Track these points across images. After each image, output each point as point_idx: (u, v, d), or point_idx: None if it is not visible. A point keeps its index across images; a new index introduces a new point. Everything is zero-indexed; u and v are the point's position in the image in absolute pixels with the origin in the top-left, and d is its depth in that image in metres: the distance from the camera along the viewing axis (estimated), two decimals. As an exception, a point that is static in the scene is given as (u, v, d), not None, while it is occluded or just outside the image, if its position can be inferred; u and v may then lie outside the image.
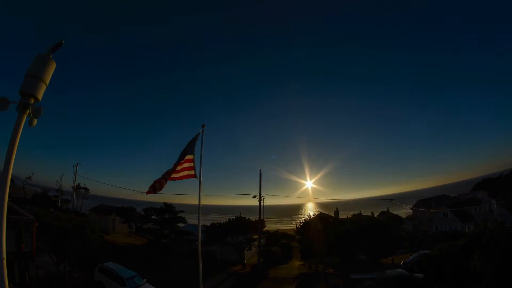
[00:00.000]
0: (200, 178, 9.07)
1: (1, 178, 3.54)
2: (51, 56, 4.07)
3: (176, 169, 8.30)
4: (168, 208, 39.46)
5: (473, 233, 16.08)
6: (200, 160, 9.12)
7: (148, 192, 7.94)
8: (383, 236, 30.27)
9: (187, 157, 8.59)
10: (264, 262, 31.85)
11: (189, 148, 8.74)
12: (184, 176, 8.56)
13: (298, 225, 39.01)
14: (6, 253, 3.42)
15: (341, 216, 52.15)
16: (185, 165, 8.51)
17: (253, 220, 35.63)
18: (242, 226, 33.61)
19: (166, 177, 8.10)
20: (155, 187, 7.86)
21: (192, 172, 8.74)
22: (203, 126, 9.37)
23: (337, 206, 57.03)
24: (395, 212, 72.59)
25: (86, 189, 58.70)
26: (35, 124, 3.93)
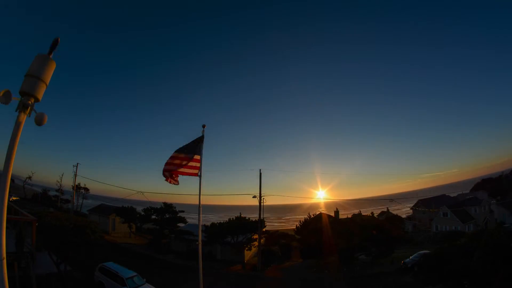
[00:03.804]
0: (200, 178, 9.15)
1: (1, 178, 3.53)
2: (51, 56, 4.06)
3: (188, 165, 8.75)
4: (168, 208, 39.44)
5: (473, 233, 16.09)
6: (201, 160, 9.24)
7: (172, 182, 8.73)
8: (382, 236, 30.29)
9: (196, 156, 8.90)
10: (264, 262, 31.87)
11: (197, 148, 9.02)
12: (189, 173, 8.88)
13: (298, 225, 39.04)
14: (6, 253, 3.41)
15: (341, 216, 52.08)
16: (193, 164, 8.87)
17: (253, 220, 35.64)
18: (242, 226, 33.61)
19: (174, 168, 8.58)
20: (172, 176, 8.71)
21: (196, 171, 9.00)
22: (203, 126, 9.37)
23: (337, 206, 57.00)
24: (395, 212, 72.61)
25: (86, 189, 58.73)
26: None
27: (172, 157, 8.68)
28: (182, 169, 8.72)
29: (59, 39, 4.07)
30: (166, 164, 8.64)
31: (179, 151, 8.83)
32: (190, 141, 9.17)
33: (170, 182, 8.78)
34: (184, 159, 8.74)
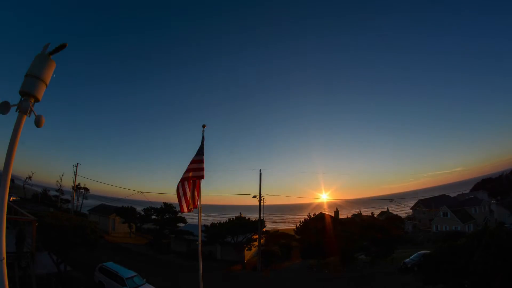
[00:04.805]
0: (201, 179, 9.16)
1: (1, 178, 3.54)
2: (51, 56, 4.07)
3: (194, 168, 8.70)
4: (168, 208, 39.47)
5: (473, 233, 16.07)
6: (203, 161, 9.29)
7: (186, 211, 8.46)
8: (382, 236, 30.31)
9: (199, 157, 8.90)
10: (264, 262, 31.90)
11: (201, 150, 9.03)
12: (198, 176, 8.81)
13: (298, 225, 39.06)
14: (6, 253, 3.41)
15: (341, 216, 52.13)
16: (198, 165, 8.83)
17: (253, 220, 35.67)
18: (242, 226, 33.64)
19: (187, 179, 8.50)
20: (190, 203, 8.49)
21: (202, 173, 8.94)
22: (203, 126, 9.37)
23: (337, 206, 57.06)
24: (395, 212, 72.67)
25: (86, 189, 58.74)
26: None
27: (187, 170, 8.65)
28: (193, 174, 8.66)
29: (66, 45, 4.13)
30: (182, 179, 8.60)
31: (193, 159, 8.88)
32: (199, 144, 9.16)
33: (186, 210, 8.47)
34: (193, 164, 8.79)
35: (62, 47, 4.11)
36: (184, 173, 8.65)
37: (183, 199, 8.38)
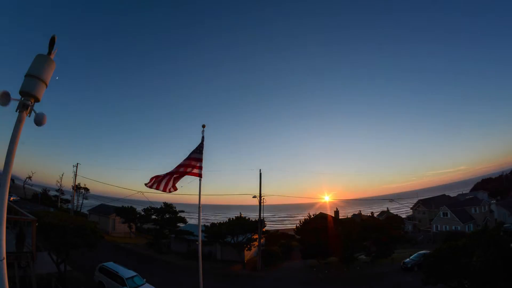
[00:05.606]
0: (200, 179, 9.25)
1: (1, 178, 3.54)
2: (51, 57, 4.07)
3: (188, 164, 8.99)
4: (168, 208, 39.44)
5: (473, 233, 16.08)
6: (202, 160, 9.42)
7: (149, 185, 8.70)
8: (382, 236, 30.30)
9: (197, 156, 9.13)
10: (264, 262, 31.89)
11: (199, 149, 9.24)
12: (191, 173, 9.02)
13: (298, 225, 39.03)
14: (6, 253, 3.41)
15: (341, 216, 52.14)
16: (196, 163, 9.08)
17: (253, 220, 35.64)
18: (242, 226, 33.60)
19: (174, 172, 8.82)
20: (158, 183, 8.77)
21: (197, 171, 9.11)
22: (203, 126, 9.43)
23: (337, 206, 57.07)
24: (395, 212, 72.70)
25: (86, 189, 58.70)
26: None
27: (179, 165, 8.97)
28: (186, 170, 8.93)
29: (55, 37, 4.08)
30: (173, 171, 8.90)
31: (187, 157, 9.14)
32: (198, 144, 9.38)
33: (159, 189, 8.80)
34: (188, 160, 9.04)
35: (52, 41, 4.07)
36: (178, 167, 8.92)
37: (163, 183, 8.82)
